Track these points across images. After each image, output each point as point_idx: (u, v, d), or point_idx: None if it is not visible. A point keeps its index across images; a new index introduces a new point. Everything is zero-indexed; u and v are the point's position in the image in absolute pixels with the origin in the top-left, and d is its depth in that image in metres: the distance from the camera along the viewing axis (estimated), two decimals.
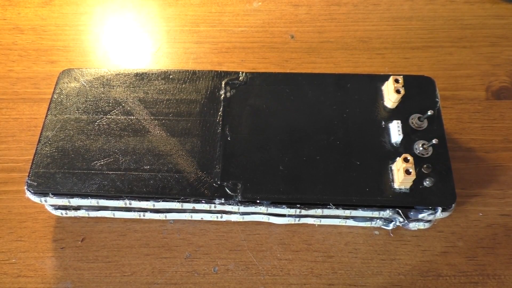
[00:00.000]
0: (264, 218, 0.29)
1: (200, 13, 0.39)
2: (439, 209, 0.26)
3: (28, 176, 0.27)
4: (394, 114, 0.29)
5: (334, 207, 0.27)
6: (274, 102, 0.29)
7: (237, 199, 0.26)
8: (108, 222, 0.30)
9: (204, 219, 0.29)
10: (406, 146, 0.28)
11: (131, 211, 0.29)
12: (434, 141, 0.27)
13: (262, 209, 0.27)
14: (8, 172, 0.32)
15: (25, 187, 0.27)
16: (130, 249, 0.29)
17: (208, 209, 0.27)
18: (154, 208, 0.27)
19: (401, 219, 0.27)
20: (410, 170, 0.26)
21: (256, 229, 0.30)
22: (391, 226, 0.29)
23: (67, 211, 0.29)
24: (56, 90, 0.30)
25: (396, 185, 0.26)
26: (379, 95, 0.29)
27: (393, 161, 0.27)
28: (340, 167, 0.27)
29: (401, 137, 0.27)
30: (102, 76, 0.30)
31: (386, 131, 0.28)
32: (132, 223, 0.30)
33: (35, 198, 0.27)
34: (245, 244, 0.29)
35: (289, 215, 0.28)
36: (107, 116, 0.29)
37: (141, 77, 0.30)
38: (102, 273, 0.28)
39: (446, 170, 0.27)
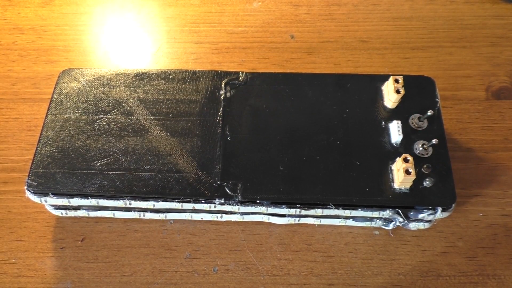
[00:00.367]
0: (264, 218, 0.29)
1: (200, 13, 0.39)
2: (439, 209, 0.26)
3: (28, 176, 0.27)
4: (394, 114, 0.29)
5: (334, 207, 0.27)
6: (274, 102, 0.29)
7: (237, 199, 0.26)
8: (108, 222, 0.30)
9: (204, 219, 0.29)
10: (406, 146, 0.28)
11: (131, 211, 0.29)
12: (434, 141, 0.27)
13: (262, 209, 0.27)
14: (8, 172, 0.32)
15: (25, 187, 0.27)
16: (130, 249, 0.29)
17: (208, 209, 0.27)
18: (154, 208, 0.27)
19: (401, 219, 0.27)
20: (410, 170, 0.26)
21: (256, 229, 0.30)
22: (391, 226, 0.29)
23: (67, 211, 0.29)
24: (56, 90, 0.30)
25: (396, 185, 0.26)
26: (379, 95, 0.29)
27: (393, 161, 0.27)
28: (340, 167, 0.27)
29: (401, 137, 0.27)
30: (102, 76, 0.30)
31: (386, 131, 0.28)
32: (132, 223, 0.30)
33: (35, 198, 0.27)
34: (245, 244, 0.29)
35: (289, 215, 0.28)
36: (107, 116, 0.29)
37: (141, 77, 0.30)
38: (102, 273, 0.28)
39: (446, 170, 0.27)
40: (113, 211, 0.29)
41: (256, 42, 0.37)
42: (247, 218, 0.29)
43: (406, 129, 0.28)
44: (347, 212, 0.27)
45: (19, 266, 0.28)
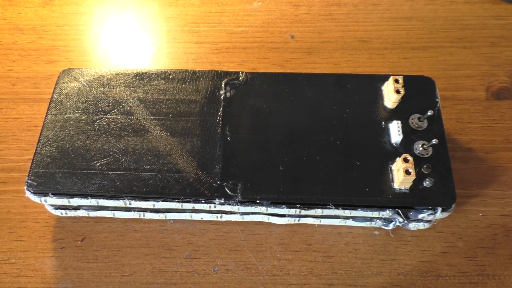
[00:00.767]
0: (264, 218, 0.29)
1: (200, 13, 0.39)
2: (439, 209, 0.26)
3: (28, 176, 0.27)
4: (394, 114, 0.29)
5: (334, 207, 0.27)
6: (274, 102, 0.29)
7: (237, 199, 0.26)
8: (108, 222, 0.30)
9: (204, 219, 0.29)
10: (406, 146, 0.28)
11: (131, 211, 0.29)
12: (434, 141, 0.27)
13: (262, 209, 0.27)
14: (8, 172, 0.32)
15: (25, 187, 0.27)
16: (130, 249, 0.29)
17: (208, 209, 0.27)
18: (154, 208, 0.27)
19: (401, 219, 0.27)
20: (410, 170, 0.26)
21: (256, 229, 0.30)
22: (391, 226, 0.29)
23: (67, 211, 0.29)
24: (56, 90, 0.30)
25: (396, 185, 0.26)
26: (379, 95, 0.29)
27: (393, 161, 0.27)
28: (340, 167, 0.27)
29: (401, 137, 0.27)
30: (102, 76, 0.30)
31: (386, 131, 0.28)
32: (132, 223, 0.30)
33: (35, 198, 0.27)
34: (245, 244, 0.29)
35: (289, 215, 0.28)
36: (107, 116, 0.29)
37: (141, 77, 0.30)
38: (102, 273, 0.28)
39: (446, 170, 0.27)
40: (113, 211, 0.29)
41: (256, 42, 0.37)
42: (247, 218, 0.29)
43: (406, 129, 0.28)
44: (347, 212, 0.27)
45: (19, 266, 0.28)
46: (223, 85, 0.30)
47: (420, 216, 0.27)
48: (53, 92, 0.30)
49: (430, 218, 0.27)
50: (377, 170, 0.27)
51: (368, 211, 0.27)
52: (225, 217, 0.29)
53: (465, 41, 0.37)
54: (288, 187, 0.27)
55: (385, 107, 0.29)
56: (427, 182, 0.26)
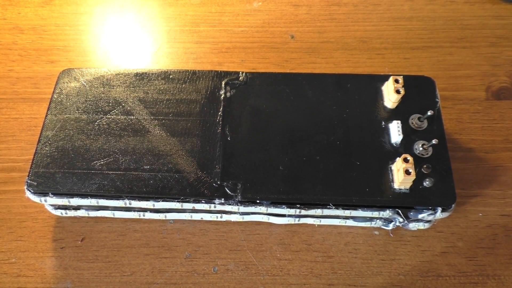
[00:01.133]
0: (264, 218, 0.29)
1: (200, 13, 0.39)
2: (439, 209, 0.26)
3: (28, 176, 0.27)
4: (394, 114, 0.29)
5: (334, 207, 0.27)
6: (274, 102, 0.29)
7: (237, 199, 0.26)
8: (108, 222, 0.30)
9: (204, 219, 0.29)
10: (406, 146, 0.28)
11: (131, 211, 0.29)
12: (434, 141, 0.27)
13: (262, 209, 0.27)
14: (8, 171, 0.32)
15: (25, 186, 0.27)
16: (130, 249, 0.29)
17: (208, 209, 0.27)
18: (154, 208, 0.27)
19: (401, 219, 0.27)
20: (410, 171, 0.26)
21: (256, 229, 0.30)
22: (391, 226, 0.29)
23: (67, 210, 0.29)
24: (56, 90, 0.30)
25: (396, 185, 0.26)
26: (379, 95, 0.29)
27: (393, 161, 0.27)
28: (340, 167, 0.27)
29: (401, 137, 0.27)
30: (102, 76, 0.30)
31: (386, 131, 0.28)
32: (132, 223, 0.30)
33: (35, 198, 0.27)
34: (245, 244, 0.29)
35: (289, 215, 0.28)
36: (107, 116, 0.29)
37: (141, 77, 0.30)
38: (101, 273, 0.28)
39: (446, 170, 0.27)
40: (113, 211, 0.29)
41: (256, 42, 0.37)
42: (247, 218, 0.29)
43: (406, 129, 0.28)
44: (347, 212, 0.27)
45: (19, 265, 0.28)
46: (223, 85, 0.30)
47: (420, 216, 0.27)
48: (53, 92, 0.30)
49: (430, 218, 0.27)
50: (377, 170, 0.27)
51: (368, 211, 0.27)
52: (225, 217, 0.29)
53: (465, 41, 0.37)
54: (288, 187, 0.27)
55: (385, 107, 0.29)
56: (427, 182, 0.26)
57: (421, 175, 0.26)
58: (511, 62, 0.36)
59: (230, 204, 0.27)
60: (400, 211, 0.27)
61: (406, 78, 0.29)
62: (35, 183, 0.27)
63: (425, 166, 0.27)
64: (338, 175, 0.27)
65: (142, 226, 0.30)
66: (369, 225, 0.29)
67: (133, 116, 0.29)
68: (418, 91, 0.29)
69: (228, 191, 0.27)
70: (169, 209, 0.28)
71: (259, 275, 0.28)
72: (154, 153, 0.28)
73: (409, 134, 0.28)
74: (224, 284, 0.28)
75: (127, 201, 0.27)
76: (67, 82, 0.30)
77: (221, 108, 0.29)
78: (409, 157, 0.26)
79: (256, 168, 0.27)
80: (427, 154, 0.27)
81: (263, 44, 0.37)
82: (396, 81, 0.29)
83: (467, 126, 0.33)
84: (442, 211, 0.26)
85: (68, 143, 0.28)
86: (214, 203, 0.27)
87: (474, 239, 0.29)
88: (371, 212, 0.27)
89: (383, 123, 0.28)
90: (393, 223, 0.28)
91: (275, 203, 0.27)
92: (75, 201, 0.27)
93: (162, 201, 0.27)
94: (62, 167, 0.27)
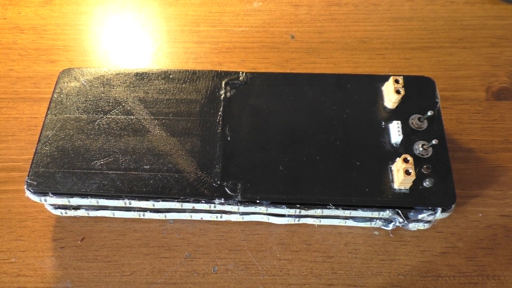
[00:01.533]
0: (264, 218, 0.29)
1: (201, 13, 0.39)
2: (439, 209, 0.26)
3: (28, 176, 0.27)
4: (394, 114, 0.29)
5: (333, 207, 0.27)
6: (274, 102, 0.29)
7: (237, 199, 0.26)
8: (107, 221, 0.30)
9: (204, 219, 0.29)
10: (406, 146, 0.28)
11: (130, 210, 0.29)
12: (434, 141, 0.27)
13: (262, 209, 0.27)
14: (8, 171, 0.32)
15: (25, 186, 0.27)
16: (129, 249, 0.29)
17: (208, 209, 0.27)
18: (154, 207, 0.27)
19: (401, 220, 0.27)
20: (410, 171, 0.26)
21: (256, 229, 0.30)
22: (390, 226, 0.29)
23: (67, 210, 0.29)
24: (56, 90, 0.30)
25: (396, 185, 0.26)
26: (379, 96, 0.29)
27: (393, 161, 0.27)
28: (340, 167, 0.27)
29: (401, 137, 0.27)
30: (102, 75, 0.30)
31: (386, 131, 0.28)
32: (131, 223, 0.30)
33: (35, 198, 0.27)
34: (244, 244, 0.29)
35: (289, 215, 0.28)
36: (107, 116, 0.29)
37: (141, 77, 0.30)
38: (101, 272, 0.28)
39: (446, 170, 0.27)
40: (112, 211, 0.29)
41: (256, 42, 0.37)
42: (247, 218, 0.29)
43: (406, 130, 0.28)
44: (346, 212, 0.27)
45: (19, 265, 0.28)
46: (223, 85, 0.30)
47: (420, 216, 0.27)
48: (53, 92, 0.30)
49: (430, 218, 0.27)
50: (377, 170, 0.27)
51: (368, 211, 0.27)
52: (225, 217, 0.29)
53: (465, 41, 0.37)
54: (288, 187, 0.27)
55: (385, 107, 0.29)
56: (427, 183, 0.26)
57: (421, 175, 0.26)
58: (511, 62, 0.36)
59: (230, 204, 0.27)
60: (400, 211, 0.27)
61: (406, 78, 0.29)
62: (35, 183, 0.27)
63: (425, 166, 0.27)
64: (338, 175, 0.27)
65: (142, 226, 0.30)
66: (369, 225, 0.29)
67: (133, 116, 0.29)
68: (418, 92, 0.29)
69: (228, 191, 0.27)
70: (169, 209, 0.28)
71: (259, 275, 0.28)
72: (154, 153, 0.28)
73: (409, 134, 0.28)
74: (224, 284, 0.28)
75: (127, 201, 0.27)
76: (67, 82, 0.30)
77: (221, 108, 0.29)
78: (409, 157, 0.26)
79: (256, 168, 0.27)
80: (427, 154, 0.27)
81: (263, 44, 0.37)
82: (396, 81, 0.29)
83: (467, 127, 0.33)
84: (442, 211, 0.26)
85: (68, 142, 0.28)
86: (214, 203, 0.27)
87: (474, 240, 0.29)
88: (371, 212, 0.27)
89: (383, 123, 0.28)
90: (393, 223, 0.28)
91: (275, 203, 0.27)
92: (75, 201, 0.27)
93: (162, 201, 0.27)
94: (62, 166, 0.27)
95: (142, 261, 0.28)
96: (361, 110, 0.29)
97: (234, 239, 0.29)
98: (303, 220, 0.29)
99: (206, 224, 0.30)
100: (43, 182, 0.27)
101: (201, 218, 0.29)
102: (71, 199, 0.27)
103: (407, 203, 0.26)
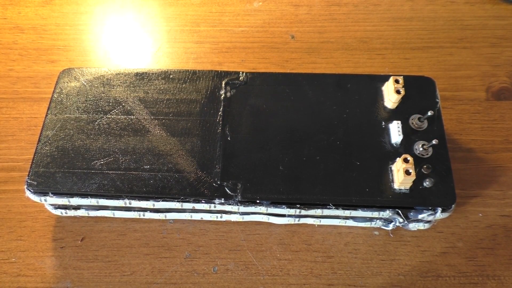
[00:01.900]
0: (264, 218, 0.29)
1: (201, 13, 0.39)
2: (439, 209, 0.26)
3: (28, 175, 0.27)
4: (394, 114, 0.29)
5: (334, 207, 0.27)
6: (274, 102, 0.29)
7: (237, 199, 0.26)
8: (108, 221, 0.30)
9: (204, 219, 0.29)
10: (406, 146, 0.28)
11: (131, 210, 0.29)
12: (434, 141, 0.27)
13: (262, 209, 0.27)
14: (8, 171, 0.32)
15: (25, 186, 0.27)
16: (129, 249, 0.29)
17: (208, 209, 0.27)
18: (154, 207, 0.27)
19: (401, 220, 0.27)
20: (410, 171, 0.26)
21: (256, 229, 0.30)
22: (390, 226, 0.29)
23: (67, 210, 0.29)
24: (56, 90, 0.30)
25: (396, 185, 0.26)
26: (379, 96, 0.29)
27: (393, 161, 0.27)
28: (340, 167, 0.27)
29: (401, 137, 0.27)
30: (102, 75, 0.30)
31: (386, 131, 0.28)
32: (132, 223, 0.30)
33: (35, 198, 0.27)
34: (245, 244, 0.29)
35: (289, 215, 0.28)
36: (107, 116, 0.29)
37: (141, 77, 0.30)
38: (101, 272, 0.28)
39: (446, 170, 0.27)
40: (113, 211, 0.29)
41: (257, 42, 0.37)
42: (247, 218, 0.29)
43: (406, 130, 0.28)
44: (347, 212, 0.27)
45: (19, 265, 0.28)
46: (223, 85, 0.30)
47: (420, 216, 0.27)
48: (53, 92, 0.30)
49: (430, 218, 0.27)
50: (377, 170, 0.27)
51: (368, 211, 0.27)
52: (225, 217, 0.29)
53: (465, 41, 0.37)
54: (288, 187, 0.27)
55: (385, 107, 0.29)
56: (427, 183, 0.26)
57: (421, 175, 0.26)
58: (511, 62, 0.36)
59: (230, 204, 0.27)
60: (400, 211, 0.27)
61: (406, 79, 0.29)
62: (35, 183, 0.27)
63: (425, 166, 0.27)
64: (338, 175, 0.27)
65: (142, 226, 0.30)
66: (369, 225, 0.29)
67: (133, 115, 0.29)
68: (418, 92, 0.29)
69: (228, 191, 0.27)
70: (169, 209, 0.28)
71: (259, 275, 0.28)
72: (154, 153, 0.28)
73: (409, 134, 0.28)
74: (224, 284, 0.28)
75: (127, 201, 0.27)
76: (67, 82, 0.30)
77: (221, 108, 0.29)
78: (409, 157, 0.26)
79: (256, 168, 0.27)
80: (427, 154, 0.27)
81: (264, 44, 0.37)
82: (396, 81, 0.29)
83: (467, 127, 0.33)
84: (442, 211, 0.26)
85: (68, 142, 0.28)
86: (214, 203, 0.27)
87: (474, 240, 0.29)
88: (371, 212, 0.27)
89: (383, 123, 0.28)
90: (393, 223, 0.28)
91: (275, 203, 0.27)
92: (75, 201, 0.27)
93: (162, 201, 0.27)
94: (62, 166, 0.27)
95: (142, 261, 0.28)
96: (361, 110, 0.29)
97: (234, 239, 0.29)
98: (303, 220, 0.29)
99: (206, 224, 0.30)
100: (43, 182, 0.27)
101: (201, 218, 0.29)
102: (71, 199, 0.27)
103: (407, 203, 0.26)
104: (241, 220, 0.29)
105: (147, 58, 0.37)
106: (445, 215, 0.27)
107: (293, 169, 0.27)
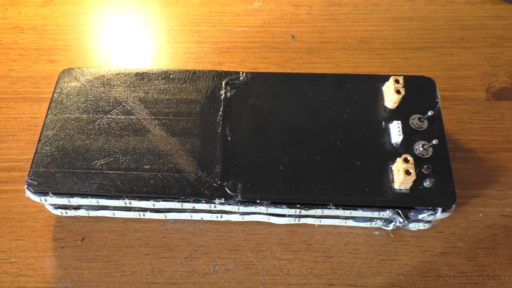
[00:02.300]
0: (264, 218, 0.29)
1: (201, 12, 0.39)
2: (439, 209, 0.26)
3: (28, 175, 0.27)
4: (394, 114, 0.29)
5: (334, 207, 0.27)
6: (274, 102, 0.29)
7: (237, 199, 0.26)
8: (108, 221, 0.30)
9: (204, 219, 0.29)
10: (406, 146, 0.28)
11: (131, 210, 0.29)
12: (434, 141, 0.27)
13: (262, 209, 0.27)
14: (8, 171, 0.32)
15: (25, 186, 0.27)
16: (130, 249, 0.29)
17: (208, 209, 0.27)
18: (154, 207, 0.27)
19: (401, 220, 0.27)
20: (410, 171, 0.26)
21: (256, 229, 0.30)
22: (391, 226, 0.29)
23: (67, 210, 0.29)
24: (57, 90, 0.30)
25: (396, 185, 0.26)
26: (379, 96, 0.29)
27: (393, 161, 0.27)
28: (340, 167, 0.27)
29: (401, 137, 0.27)
30: (102, 75, 0.30)
31: (386, 131, 0.28)
32: (132, 223, 0.30)
33: (35, 198, 0.27)
34: (245, 244, 0.29)
35: (289, 215, 0.28)
36: (108, 116, 0.29)
37: (142, 77, 0.30)
38: (102, 272, 0.28)
39: (446, 170, 0.27)
40: (113, 211, 0.29)
41: (257, 42, 0.37)
42: (247, 218, 0.29)
43: (406, 130, 0.28)
44: (347, 212, 0.27)
45: (19, 265, 0.28)
46: (223, 85, 0.30)
47: (420, 216, 0.27)
48: (54, 92, 0.30)
49: (430, 218, 0.27)
50: (377, 170, 0.27)
51: (368, 211, 0.27)
52: (225, 217, 0.29)
53: (465, 41, 0.37)
54: (288, 187, 0.27)
55: (385, 107, 0.29)
56: (427, 183, 0.26)
57: (421, 175, 0.26)
58: (511, 62, 0.36)
59: (230, 204, 0.27)
60: (400, 211, 0.27)
61: (407, 78, 0.29)
62: (35, 183, 0.27)
63: (425, 166, 0.27)
64: (338, 175, 0.27)
65: (142, 226, 0.30)
66: (369, 225, 0.29)
67: (134, 115, 0.29)
68: (418, 92, 0.29)
69: (228, 191, 0.27)
70: (169, 209, 0.28)
71: (259, 275, 0.28)
72: (154, 153, 0.28)
73: (409, 134, 0.28)
74: (224, 284, 0.28)
75: (127, 201, 0.27)
76: (67, 82, 0.30)
77: (221, 108, 0.29)
78: (409, 157, 0.26)
79: (256, 168, 0.27)
80: (427, 154, 0.27)
81: (264, 44, 0.37)
82: (397, 81, 0.29)
83: (467, 127, 0.33)
84: (442, 211, 0.26)
85: (68, 142, 0.28)
86: (214, 203, 0.27)
87: (474, 240, 0.29)
88: (371, 212, 0.27)
89: (384, 123, 0.28)
90: (393, 223, 0.28)
91: (275, 203, 0.27)
92: (75, 201, 0.27)
93: (162, 201, 0.27)
94: (62, 166, 0.27)
95: (142, 261, 0.28)
96: (361, 110, 0.29)
97: (234, 239, 0.29)
98: (303, 220, 0.29)
99: (206, 224, 0.30)
100: (43, 182, 0.27)
101: (201, 218, 0.29)
102: (71, 199, 0.27)
103: (407, 203, 0.26)
104: (241, 220, 0.29)
105: (147, 58, 0.37)
106: (445, 215, 0.27)
107: (293, 169, 0.27)
